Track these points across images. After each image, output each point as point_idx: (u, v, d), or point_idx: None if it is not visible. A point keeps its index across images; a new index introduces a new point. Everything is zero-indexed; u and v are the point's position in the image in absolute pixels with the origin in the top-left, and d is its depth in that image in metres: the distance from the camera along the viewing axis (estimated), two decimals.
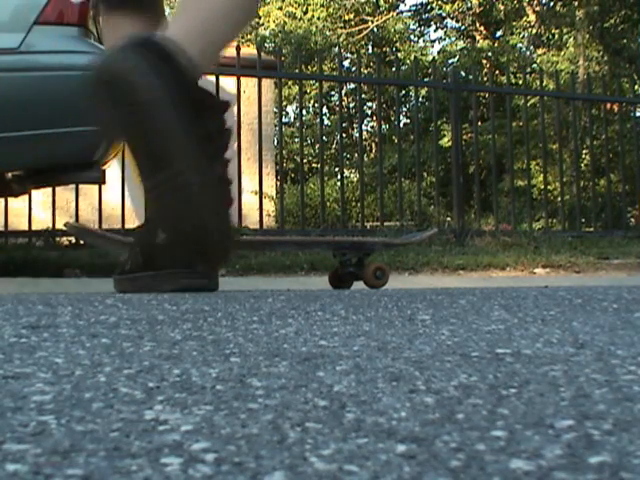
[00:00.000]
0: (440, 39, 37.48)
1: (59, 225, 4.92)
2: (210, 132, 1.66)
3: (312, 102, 25.88)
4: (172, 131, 1.58)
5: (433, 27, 30.29)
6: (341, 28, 28.46)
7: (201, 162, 1.63)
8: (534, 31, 24.07)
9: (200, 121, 1.63)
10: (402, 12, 30.57)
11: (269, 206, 12.04)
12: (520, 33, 26.11)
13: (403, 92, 22.86)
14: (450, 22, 29.38)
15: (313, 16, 28.14)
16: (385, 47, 28.82)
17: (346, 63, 25.57)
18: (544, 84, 7.97)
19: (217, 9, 1.74)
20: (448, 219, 7.63)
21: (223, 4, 1.75)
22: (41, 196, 5.05)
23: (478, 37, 27.31)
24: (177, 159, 1.61)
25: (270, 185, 12.40)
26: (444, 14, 28.78)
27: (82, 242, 4.44)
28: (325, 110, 25.24)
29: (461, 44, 27.76)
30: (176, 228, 1.77)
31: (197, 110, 1.63)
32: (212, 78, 5.04)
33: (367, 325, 1.03)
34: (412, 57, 10.09)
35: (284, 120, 6.39)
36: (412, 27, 30.67)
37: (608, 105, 7.57)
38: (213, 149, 1.69)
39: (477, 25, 27.52)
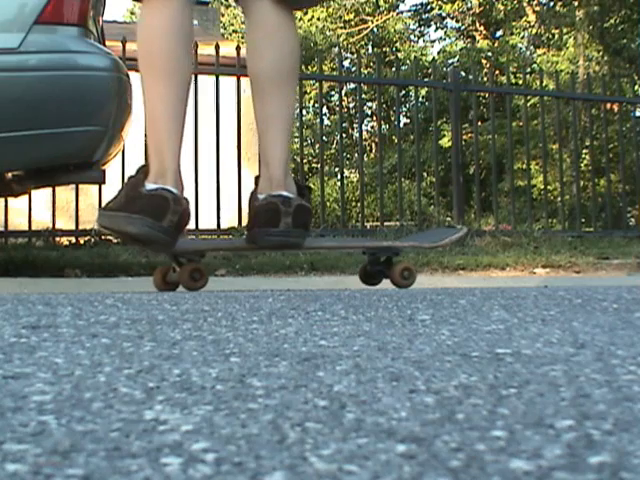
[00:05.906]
0: (440, 39, 37.43)
1: (59, 225, 4.92)
2: None
3: (312, 102, 25.88)
4: None
5: (433, 27, 30.31)
6: (341, 28, 28.46)
7: None
8: (534, 31, 24.07)
9: None
10: (402, 12, 30.58)
11: None
12: (520, 33, 26.11)
13: (403, 92, 22.86)
14: (450, 22, 29.40)
15: (313, 16, 28.13)
16: (385, 47, 28.82)
17: (346, 63, 25.59)
18: (544, 84, 7.96)
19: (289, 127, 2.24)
20: (448, 219, 7.62)
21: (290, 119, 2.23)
22: (41, 196, 5.06)
23: (478, 37, 27.31)
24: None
25: None
26: (444, 14, 28.78)
27: (82, 242, 4.44)
28: (325, 110, 25.22)
29: (461, 44, 27.76)
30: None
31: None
32: (212, 78, 5.03)
33: (367, 325, 1.03)
34: (412, 57, 10.08)
35: None
36: (412, 27, 30.69)
37: (608, 105, 7.56)
38: None
39: (477, 25, 27.52)
